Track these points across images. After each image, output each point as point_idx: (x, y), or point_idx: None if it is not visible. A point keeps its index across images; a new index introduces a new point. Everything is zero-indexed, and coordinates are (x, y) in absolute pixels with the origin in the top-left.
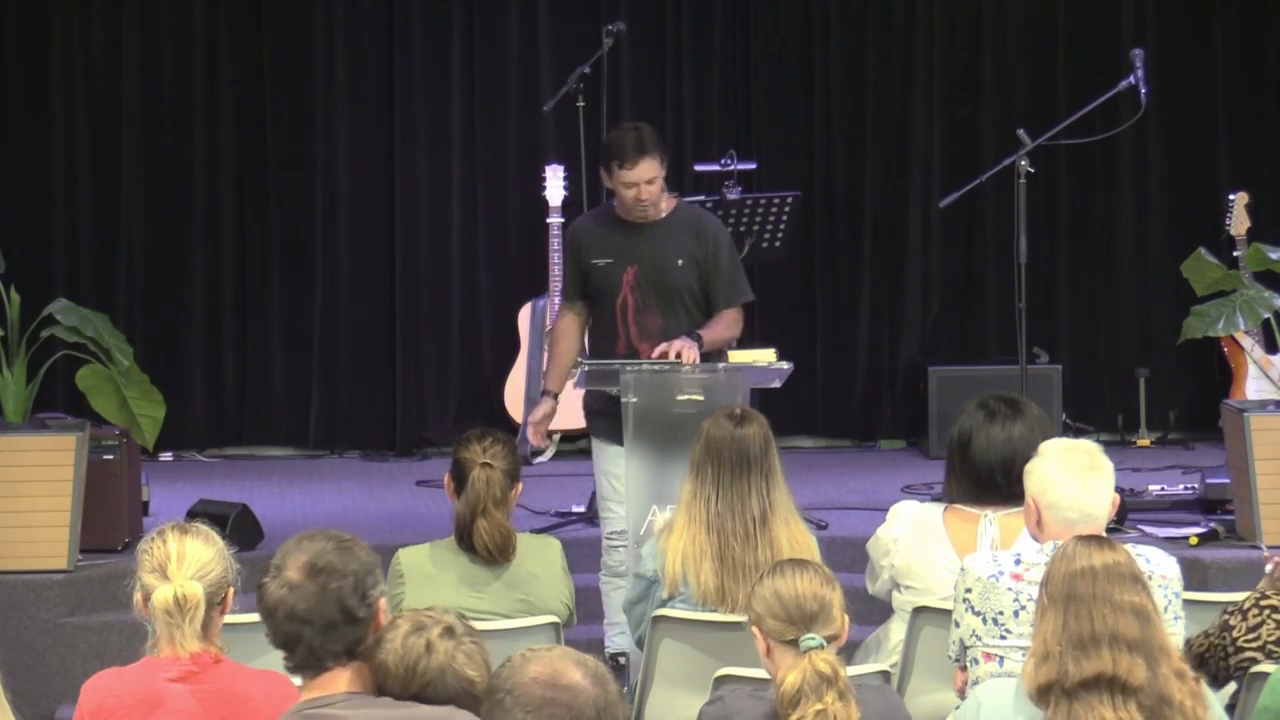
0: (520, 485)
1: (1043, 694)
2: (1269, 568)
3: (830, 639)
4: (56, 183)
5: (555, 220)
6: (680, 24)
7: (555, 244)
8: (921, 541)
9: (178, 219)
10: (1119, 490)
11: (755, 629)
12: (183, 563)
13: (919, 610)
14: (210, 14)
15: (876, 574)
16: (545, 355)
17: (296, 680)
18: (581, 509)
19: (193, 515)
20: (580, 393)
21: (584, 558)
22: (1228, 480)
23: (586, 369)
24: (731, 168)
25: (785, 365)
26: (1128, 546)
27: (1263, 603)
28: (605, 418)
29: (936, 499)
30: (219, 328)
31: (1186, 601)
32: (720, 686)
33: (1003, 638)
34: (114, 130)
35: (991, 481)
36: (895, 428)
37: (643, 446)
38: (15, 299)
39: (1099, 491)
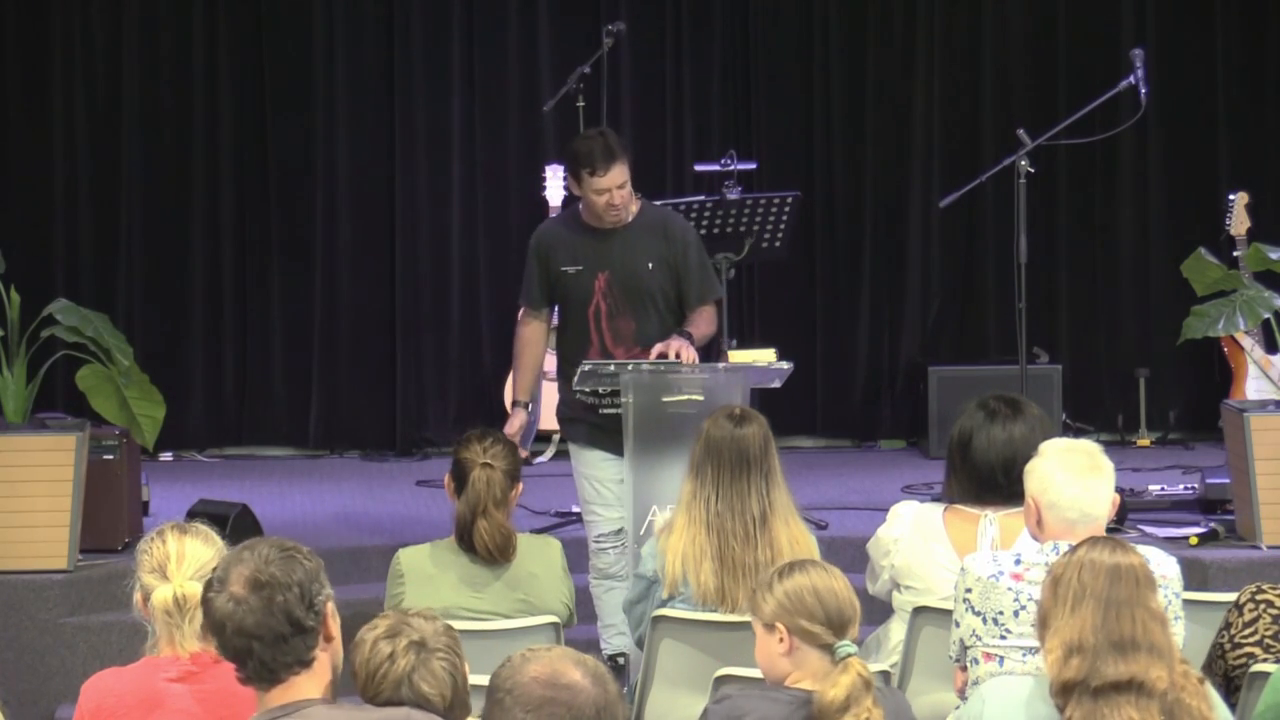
0: (520, 485)
1: (1066, 689)
2: None
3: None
4: (56, 183)
5: None
6: (680, 24)
7: None
8: (921, 541)
9: (178, 219)
10: (1119, 490)
11: (780, 626)
12: (182, 563)
13: (919, 610)
14: (210, 14)
15: (876, 574)
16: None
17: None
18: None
19: (193, 515)
20: None
21: (584, 558)
22: (1228, 480)
23: (585, 369)
24: (731, 168)
25: (785, 365)
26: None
27: (1258, 597)
28: (583, 424)
29: (936, 499)
30: (219, 328)
31: (1186, 602)
32: (720, 686)
33: (1003, 638)
34: (114, 130)
35: (992, 481)
36: (895, 428)
37: (642, 446)
38: (15, 299)
39: (1099, 492)
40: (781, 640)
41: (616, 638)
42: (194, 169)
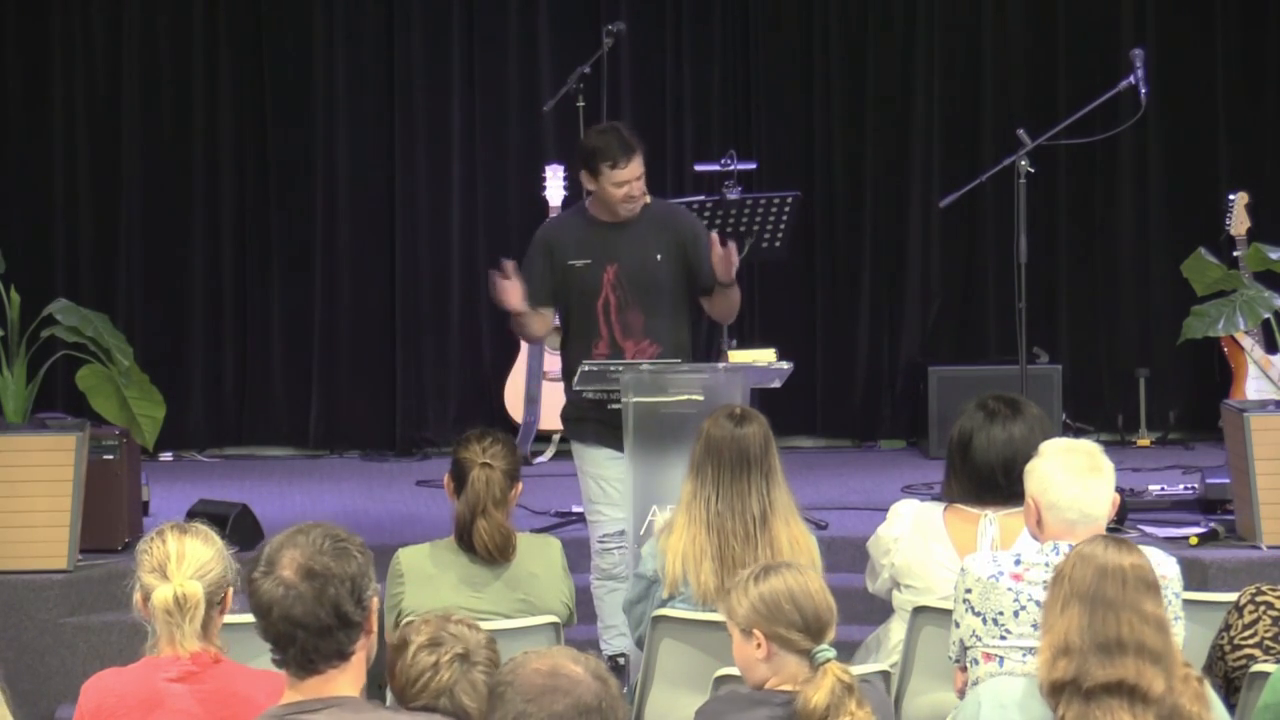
0: (520, 485)
1: (1056, 690)
2: None
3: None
4: (56, 183)
5: None
6: (680, 24)
7: None
8: (921, 541)
9: (178, 219)
10: (1119, 490)
11: (757, 633)
12: (182, 562)
13: (919, 610)
14: (210, 14)
15: (876, 573)
16: (545, 355)
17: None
18: (581, 509)
19: (193, 515)
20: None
21: (584, 558)
22: (1228, 480)
23: (586, 369)
24: (731, 168)
25: (785, 365)
26: None
27: (1258, 599)
28: (588, 423)
29: (936, 499)
30: (219, 328)
31: (1186, 602)
32: (720, 686)
33: (1003, 638)
34: (114, 130)
35: (992, 481)
36: (895, 428)
37: (642, 446)
38: (15, 299)
39: (1099, 492)
40: (759, 646)
41: (617, 639)
42: (194, 169)
